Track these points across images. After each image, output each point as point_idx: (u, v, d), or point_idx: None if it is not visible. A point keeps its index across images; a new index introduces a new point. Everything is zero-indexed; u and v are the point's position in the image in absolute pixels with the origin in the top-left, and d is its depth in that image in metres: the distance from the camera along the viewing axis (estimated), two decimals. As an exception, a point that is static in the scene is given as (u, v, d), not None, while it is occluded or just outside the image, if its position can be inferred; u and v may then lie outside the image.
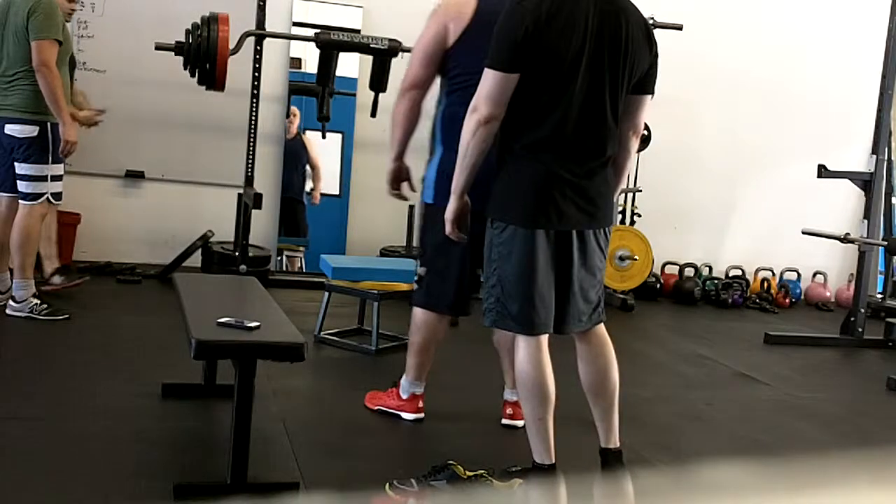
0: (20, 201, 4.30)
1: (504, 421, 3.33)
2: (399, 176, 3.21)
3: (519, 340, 2.66)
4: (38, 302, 4.31)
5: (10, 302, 4.33)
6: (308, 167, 6.55)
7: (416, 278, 3.22)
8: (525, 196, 2.59)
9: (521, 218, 2.59)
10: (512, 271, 2.60)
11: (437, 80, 3.13)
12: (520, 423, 3.21)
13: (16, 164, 4.26)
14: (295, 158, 6.45)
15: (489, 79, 2.51)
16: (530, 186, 2.58)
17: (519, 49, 2.48)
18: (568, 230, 2.61)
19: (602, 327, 2.80)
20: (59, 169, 4.34)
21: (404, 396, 3.31)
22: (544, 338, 2.65)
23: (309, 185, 6.58)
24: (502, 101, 2.51)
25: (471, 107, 2.54)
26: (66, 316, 4.34)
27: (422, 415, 3.31)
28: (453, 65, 3.03)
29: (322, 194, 6.63)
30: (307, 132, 6.51)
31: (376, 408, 3.37)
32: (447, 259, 3.09)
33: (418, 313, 3.22)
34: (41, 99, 4.16)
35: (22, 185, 4.27)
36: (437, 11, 3.06)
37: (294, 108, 6.37)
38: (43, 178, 4.27)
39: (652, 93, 2.72)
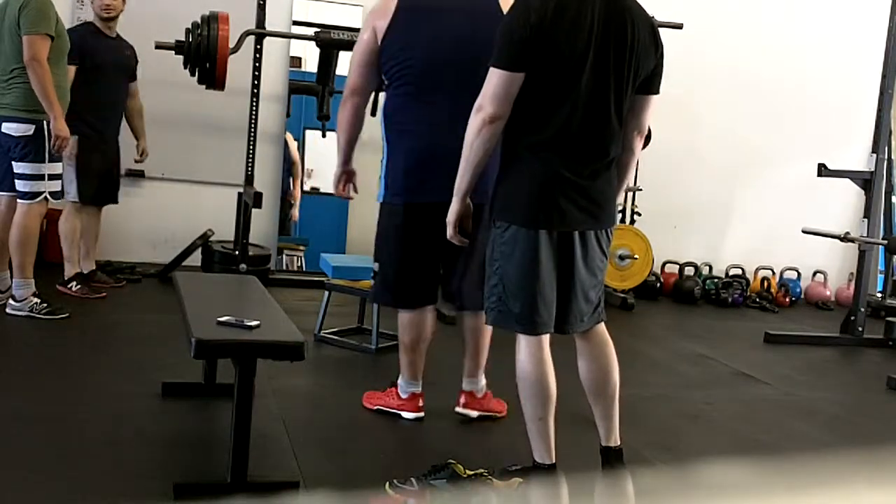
0: (18, 200, 4.30)
1: (457, 409, 3.36)
2: (347, 179, 3.39)
3: (520, 340, 2.66)
4: (38, 301, 4.31)
5: (10, 301, 4.33)
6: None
7: (371, 275, 3.37)
8: (528, 196, 2.58)
9: (524, 218, 2.58)
10: (514, 271, 2.60)
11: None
12: (473, 413, 3.33)
13: (13, 162, 4.25)
14: None
15: (494, 78, 2.51)
16: (533, 187, 2.58)
17: (523, 48, 2.47)
18: (570, 231, 2.61)
19: (602, 326, 2.80)
20: (56, 167, 4.34)
21: (403, 396, 3.32)
22: (545, 337, 2.65)
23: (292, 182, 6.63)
24: (507, 101, 2.51)
25: (476, 106, 2.54)
26: (66, 315, 4.34)
27: (422, 414, 3.32)
28: (385, 59, 3.11)
29: (322, 193, 6.63)
30: (307, 131, 6.51)
31: (375, 407, 3.38)
32: (390, 255, 3.20)
33: (402, 313, 3.26)
34: (37, 97, 4.16)
35: (20, 184, 4.27)
36: (367, 16, 3.18)
37: None
38: (40, 177, 4.27)
39: (657, 93, 2.71)
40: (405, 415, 3.31)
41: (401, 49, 3.07)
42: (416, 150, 3.10)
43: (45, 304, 4.32)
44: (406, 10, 3.06)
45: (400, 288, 3.23)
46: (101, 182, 5.04)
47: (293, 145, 6.57)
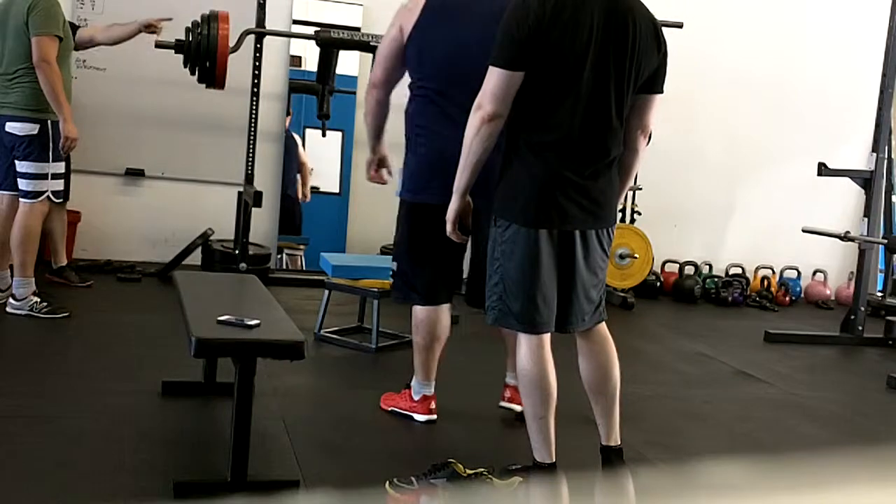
0: (21, 199, 4.31)
1: (502, 403, 3.37)
2: (377, 164, 3.39)
3: (521, 339, 2.66)
4: (39, 300, 4.31)
5: (11, 300, 4.34)
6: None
7: (390, 273, 3.33)
8: (528, 196, 2.58)
9: (524, 217, 2.58)
10: (514, 270, 2.60)
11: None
12: (517, 407, 3.25)
13: (16, 161, 4.27)
14: (290, 156, 6.46)
15: (493, 76, 2.51)
16: (533, 186, 2.58)
17: (522, 47, 2.48)
18: (571, 230, 2.61)
19: (603, 325, 2.80)
20: (59, 167, 4.35)
21: (416, 398, 3.31)
22: (546, 336, 2.65)
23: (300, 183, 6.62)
24: (506, 100, 2.51)
25: (475, 104, 2.55)
26: (67, 314, 4.34)
27: (434, 416, 3.30)
28: (408, 60, 3.13)
29: (322, 192, 6.63)
30: (307, 130, 6.52)
31: (390, 408, 3.37)
32: (415, 252, 3.18)
33: (417, 312, 3.24)
34: (42, 96, 4.17)
35: (22, 183, 4.28)
36: (398, 10, 3.17)
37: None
38: (43, 176, 4.28)
39: (661, 92, 2.71)
40: (417, 417, 3.29)
41: (419, 51, 3.06)
42: (427, 154, 3.11)
43: (45, 304, 4.32)
44: (431, 11, 3.04)
45: (413, 281, 3.21)
46: None
47: (300, 147, 6.54)
